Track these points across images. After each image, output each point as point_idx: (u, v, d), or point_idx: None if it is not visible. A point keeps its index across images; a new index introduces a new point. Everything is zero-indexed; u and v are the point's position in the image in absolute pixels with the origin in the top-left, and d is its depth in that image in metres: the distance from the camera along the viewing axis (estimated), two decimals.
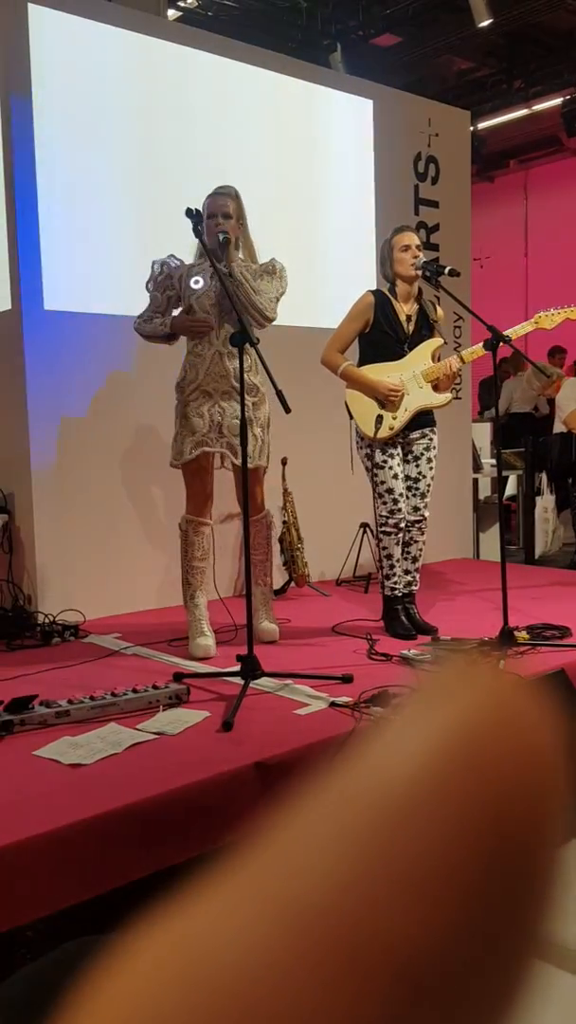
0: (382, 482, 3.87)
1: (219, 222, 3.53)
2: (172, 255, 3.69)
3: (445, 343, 4.10)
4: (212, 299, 3.58)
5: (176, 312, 3.68)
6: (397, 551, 3.94)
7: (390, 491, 3.87)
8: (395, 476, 3.87)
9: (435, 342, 3.93)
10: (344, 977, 0.17)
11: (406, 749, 0.20)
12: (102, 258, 4.45)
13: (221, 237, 3.48)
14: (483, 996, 0.18)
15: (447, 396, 3.91)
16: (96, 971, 0.18)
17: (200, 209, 3.49)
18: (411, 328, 3.90)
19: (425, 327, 3.94)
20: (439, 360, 3.91)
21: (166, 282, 3.65)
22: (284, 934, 0.17)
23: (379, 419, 3.82)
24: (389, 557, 3.93)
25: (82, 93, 4.38)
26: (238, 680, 3.04)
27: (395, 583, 3.96)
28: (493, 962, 0.18)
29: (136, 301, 3.79)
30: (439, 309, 4.04)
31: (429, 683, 0.22)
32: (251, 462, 3.69)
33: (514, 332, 3.75)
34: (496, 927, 0.18)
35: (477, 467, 6.48)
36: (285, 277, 3.66)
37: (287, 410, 2.95)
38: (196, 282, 3.58)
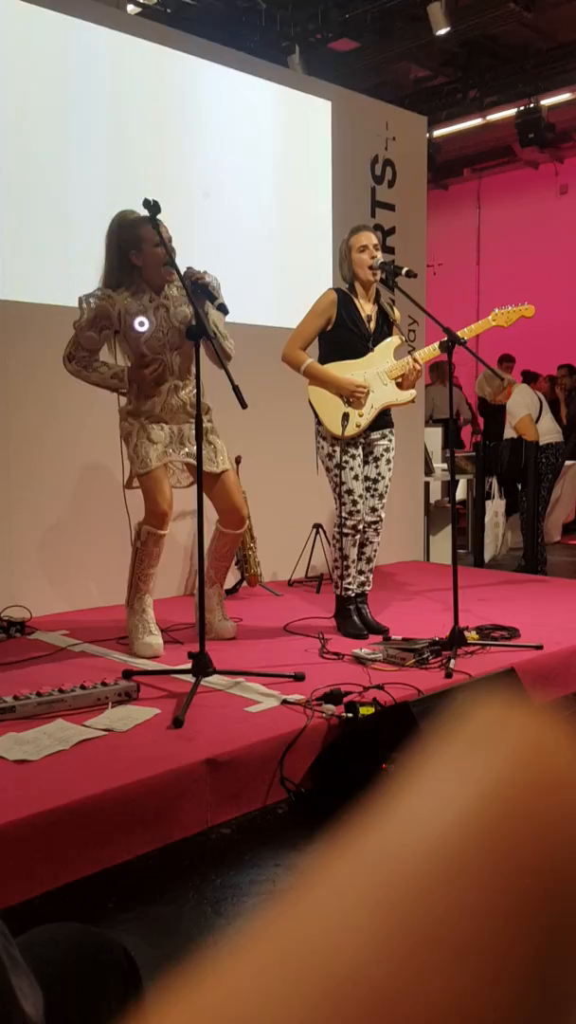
0: (343, 483, 3.86)
1: (164, 253, 3.32)
2: (99, 289, 3.48)
3: (403, 343, 4.11)
4: (161, 338, 3.47)
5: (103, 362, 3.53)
6: (353, 552, 3.94)
7: (350, 492, 3.87)
8: (355, 477, 3.88)
9: (395, 340, 3.94)
10: None
11: (445, 804, 0.18)
12: (56, 247, 4.38)
13: (191, 285, 3.21)
14: None
15: (412, 393, 3.93)
16: None
17: (118, 216, 3.45)
18: (372, 327, 3.91)
19: (385, 326, 3.95)
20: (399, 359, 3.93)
21: (102, 322, 3.46)
22: (319, 1008, 0.16)
23: (345, 417, 3.81)
24: (345, 558, 3.93)
25: (37, 81, 4.32)
26: (189, 678, 3.01)
27: (349, 584, 3.96)
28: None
29: (78, 292, 3.68)
30: (396, 311, 4.05)
31: (464, 731, 0.20)
32: (217, 467, 3.66)
33: (471, 330, 3.78)
34: (558, 994, 0.17)
35: (429, 470, 6.53)
36: (219, 288, 3.43)
37: (243, 405, 2.93)
38: (142, 324, 3.39)
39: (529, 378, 7.70)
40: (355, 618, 3.95)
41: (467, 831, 0.18)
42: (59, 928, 0.82)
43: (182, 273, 3.22)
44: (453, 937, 0.17)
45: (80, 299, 3.50)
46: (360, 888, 0.17)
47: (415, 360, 3.89)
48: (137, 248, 3.42)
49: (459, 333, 3.60)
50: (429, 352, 3.89)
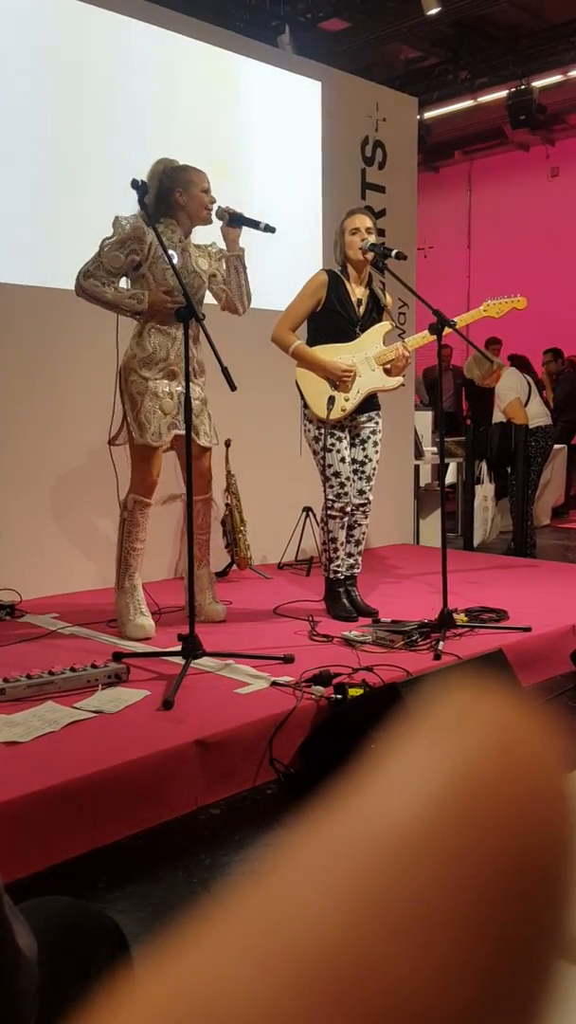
0: (329, 465, 3.86)
1: (213, 198, 3.56)
2: (135, 214, 3.44)
3: (393, 328, 4.10)
4: (185, 276, 3.49)
5: (123, 283, 3.52)
6: (342, 535, 3.95)
7: (337, 475, 3.87)
8: (343, 460, 3.87)
9: (385, 326, 3.93)
10: (341, 1021, 0.16)
11: (410, 786, 0.19)
12: (23, 227, 4.33)
13: (228, 217, 3.54)
14: None
15: (399, 380, 3.93)
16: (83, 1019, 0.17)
17: (146, 181, 3.41)
18: (362, 311, 3.90)
19: (376, 311, 3.94)
20: (388, 344, 3.92)
21: (133, 244, 3.45)
22: (288, 983, 0.16)
23: (331, 400, 3.81)
24: (333, 540, 3.94)
25: (21, 60, 4.27)
26: (179, 660, 3.02)
27: (338, 566, 3.97)
28: (513, 1013, 0.17)
29: (56, 272, 3.64)
30: (388, 295, 4.04)
31: (432, 716, 0.20)
32: (209, 440, 3.68)
33: (461, 320, 3.77)
34: (516, 972, 0.17)
35: (419, 454, 6.54)
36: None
37: (232, 387, 2.93)
38: (173, 257, 3.41)
39: (520, 362, 7.68)
40: (344, 600, 3.96)
41: (438, 811, 0.18)
42: (51, 901, 0.82)
43: (216, 212, 3.55)
44: (424, 915, 0.17)
45: (117, 218, 3.50)
46: (332, 866, 0.18)
47: (405, 347, 3.89)
48: (184, 188, 3.54)
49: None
50: (420, 339, 3.89)
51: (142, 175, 3.45)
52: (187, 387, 3.08)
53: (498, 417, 6.22)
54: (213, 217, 3.57)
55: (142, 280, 3.51)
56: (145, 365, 3.52)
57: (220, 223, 3.61)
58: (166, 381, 3.54)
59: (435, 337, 3.65)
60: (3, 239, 4.23)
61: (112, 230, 3.48)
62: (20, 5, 4.24)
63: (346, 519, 3.94)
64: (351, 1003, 0.16)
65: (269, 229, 3.48)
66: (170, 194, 3.53)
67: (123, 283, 3.53)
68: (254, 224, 3.51)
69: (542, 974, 0.18)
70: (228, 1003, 0.16)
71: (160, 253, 3.40)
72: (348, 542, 4.02)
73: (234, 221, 3.55)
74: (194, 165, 3.61)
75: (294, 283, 4.01)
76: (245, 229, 3.60)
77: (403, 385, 4.07)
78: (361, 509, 4.00)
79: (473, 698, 0.21)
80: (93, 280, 3.43)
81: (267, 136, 5.31)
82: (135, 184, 3.15)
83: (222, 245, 3.67)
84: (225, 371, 2.91)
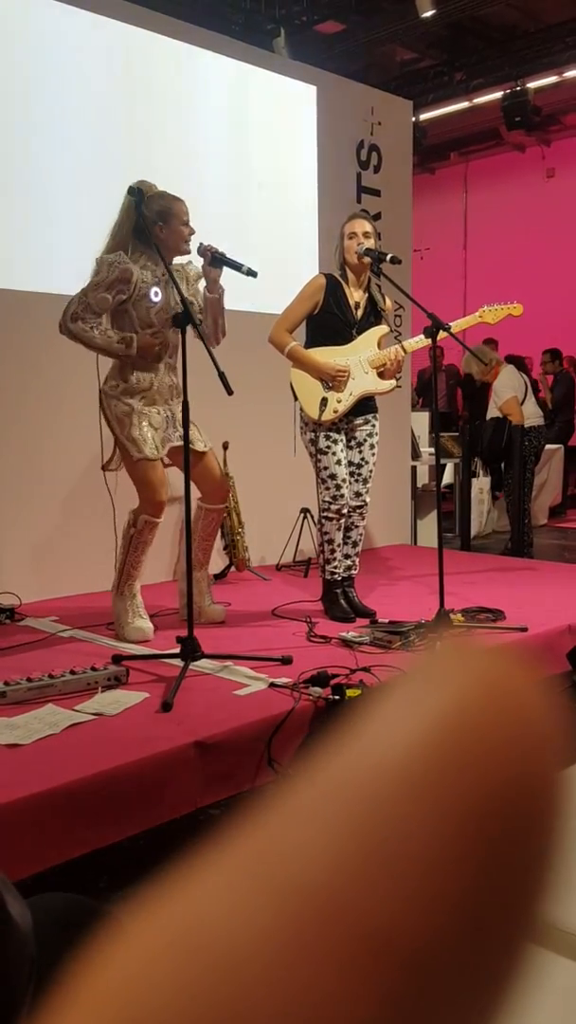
0: (325, 468, 3.89)
1: (192, 229, 3.48)
2: (119, 253, 3.45)
3: (390, 332, 4.13)
4: (166, 312, 3.47)
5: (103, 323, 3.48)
6: (338, 536, 3.97)
7: (333, 477, 3.89)
8: (338, 462, 3.90)
9: (381, 329, 3.96)
10: (340, 959, 0.17)
11: (400, 730, 0.19)
12: (36, 234, 4.36)
13: (211, 257, 3.41)
14: (480, 979, 0.18)
15: (391, 383, 3.96)
16: (86, 954, 0.18)
17: (141, 187, 3.43)
18: (360, 314, 3.93)
19: (373, 315, 3.97)
20: (384, 348, 3.95)
21: (120, 286, 3.43)
22: (279, 914, 0.17)
23: (324, 402, 3.84)
24: (330, 542, 3.96)
25: (15, 65, 4.29)
26: (177, 662, 3.04)
27: (335, 567, 3.99)
28: (491, 946, 0.18)
29: (59, 277, 3.63)
30: (388, 300, 4.07)
31: (422, 664, 0.21)
32: (204, 445, 3.69)
33: (458, 325, 3.81)
34: (494, 910, 0.18)
35: (416, 455, 6.56)
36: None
37: (229, 392, 2.95)
38: (156, 294, 3.43)
39: (518, 363, 7.70)
40: (342, 602, 3.99)
41: (420, 755, 0.19)
42: (52, 897, 0.84)
43: (198, 250, 3.40)
44: (402, 851, 0.18)
45: (100, 260, 3.45)
46: (324, 806, 0.19)
47: (403, 349, 3.92)
48: (165, 222, 3.45)
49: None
50: (416, 343, 3.91)
51: (136, 180, 3.48)
52: (185, 388, 3.10)
53: (493, 413, 6.25)
54: (192, 249, 3.48)
55: (124, 316, 3.50)
56: (126, 393, 3.54)
57: (202, 259, 3.49)
58: (152, 404, 3.56)
59: (425, 336, 3.69)
60: (11, 247, 4.26)
61: (95, 268, 3.44)
62: (13, 7, 4.26)
63: (343, 521, 3.97)
64: (336, 931, 0.17)
65: (251, 273, 3.33)
66: (151, 227, 3.43)
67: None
68: (236, 266, 3.35)
69: (531, 908, 0.19)
70: (221, 940, 0.17)
71: (145, 292, 3.43)
72: (345, 544, 4.05)
73: (216, 262, 3.41)
74: (173, 193, 3.51)
75: (290, 286, 4.04)
76: (231, 224, 3.61)
77: (399, 387, 4.10)
78: (358, 511, 4.03)
79: (464, 649, 0.22)
80: (81, 324, 3.41)
81: (263, 140, 5.33)
82: (131, 191, 3.17)
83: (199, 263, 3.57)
84: (222, 376, 2.93)
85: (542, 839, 0.19)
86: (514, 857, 0.19)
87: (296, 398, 3.94)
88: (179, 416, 3.49)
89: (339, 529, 3.97)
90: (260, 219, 5.30)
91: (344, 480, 3.92)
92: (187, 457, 3.16)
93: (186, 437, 3.14)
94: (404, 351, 3.92)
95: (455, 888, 0.18)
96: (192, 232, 3.49)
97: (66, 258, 4.20)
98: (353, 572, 4.09)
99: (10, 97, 4.26)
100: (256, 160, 5.29)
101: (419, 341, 3.87)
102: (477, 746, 0.19)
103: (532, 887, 0.19)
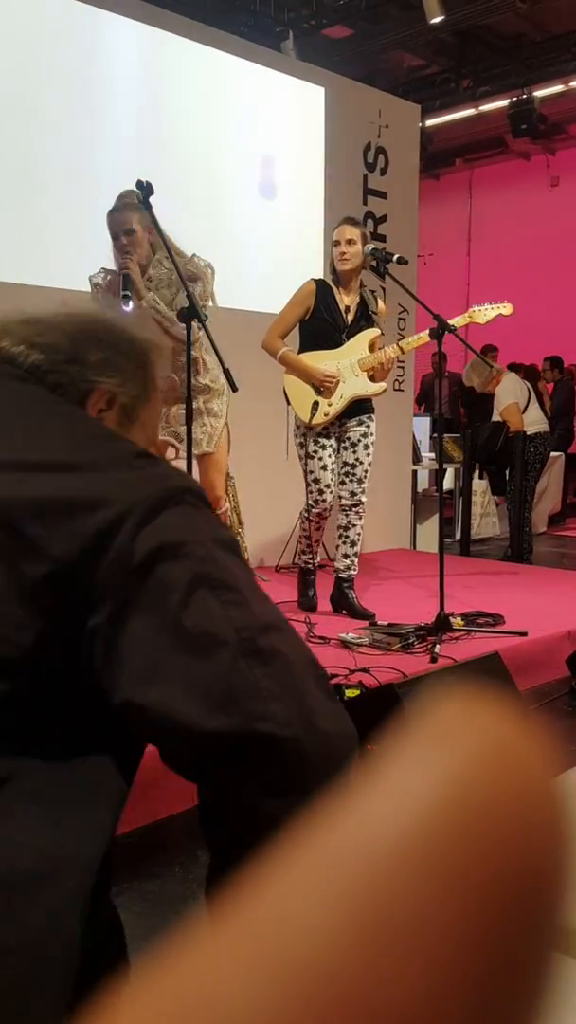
0: (311, 472, 3.94)
1: (124, 243, 3.27)
2: (102, 269, 3.43)
3: (383, 334, 4.12)
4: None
5: None
6: (317, 535, 4.10)
7: (317, 481, 3.93)
8: (324, 467, 3.93)
9: (373, 332, 3.96)
10: None
11: (401, 797, 0.19)
12: (36, 229, 4.35)
13: (122, 279, 3.22)
14: None
15: (382, 385, 3.96)
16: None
17: (150, 181, 3.41)
18: (350, 318, 3.94)
19: (364, 318, 3.97)
20: (377, 350, 3.95)
21: (107, 300, 3.38)
22: (281, 992, 0.16)
23: (315, 405, 3.88)
24: (307, 538, 4.11)
25: (18, 60, 4.29)
26: None
27: (308, 558, 4.17)
28: (500, 1015, 0.18)
29: (62, 270, 3.62)
30: (381, 302, 4.07)
31: (424, 725, 0.20)
32: (198, 448, 3.66)
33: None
34: (498, 995, 0.17)
35: (416, 459, 6.56)
36: (208, 276, 3.45)
37: (234, 388, 2.94)
38: (128, 304, 3.29)
39: (526, 370, 7.69)
40: (309, 593, 4.18)
41: (425, 828, 0.18)
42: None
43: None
44: (409, 928, 0.17)
45: (92, 278, 3.45)
46: (327, 877, 0.18)
47: (400, 348, 3.93)
48: (114, 238, 3.37)
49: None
50: (416, 340, 3.92)
51: (142, 178, 3.46)
52: (188, 388, 3.09)
53: (495, 419, 6.25)
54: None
55: None
56: None
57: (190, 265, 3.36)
58: None
59: (430, 338, 3.68)
60: (9, 240, 4.25)
61: (212, 274, 3.42)
62: (20, 5, 4.26)
63: (323, 523, 4.06)
64: (343, 1014, 0.16)
65: (125, 300, 3.18)
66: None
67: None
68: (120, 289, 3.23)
69: (537, 983, 0.18)
70: (221, 1012, 0.16)
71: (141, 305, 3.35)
72: (343, 543, 4.05)
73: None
74: (121, 195, 3.35)
75: (296, 286, 4.03)
76: (236, 224, 3.58)
77: (401, 390, 4.10)
78: (354, 510, 4.03)
79: (465, 706, 0.21)
80: None
81: (270, 140, 5.34)
82: (139, 185, 3.16)
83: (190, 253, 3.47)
84: (227, 372, 2.93)
85: (556, 899, 0.18)
86: (519, 943, 0.18)
87: (288, 402, 3.97)
88: (176, 412, 3.48)
89: (318, 529, 4.08)
90: (266, 219, 5.30)
91: (328, 486, 3.94)
92: (189, 457, 3.15)
93: (188, 437, 3.13)
94: (402, 350, 3.94)
95: (458, 970, 0.17)
96: (126, 257, 3.31)
97: (61, 252, 4.20)
98: (352, 572, 4.08)
99: (10, 97, 4.25)
100: (263, 160, 5.29)
101: (419, 339, 3.87)
102: (482, 823, 0.18)
103: (537, 972, 0.18)
